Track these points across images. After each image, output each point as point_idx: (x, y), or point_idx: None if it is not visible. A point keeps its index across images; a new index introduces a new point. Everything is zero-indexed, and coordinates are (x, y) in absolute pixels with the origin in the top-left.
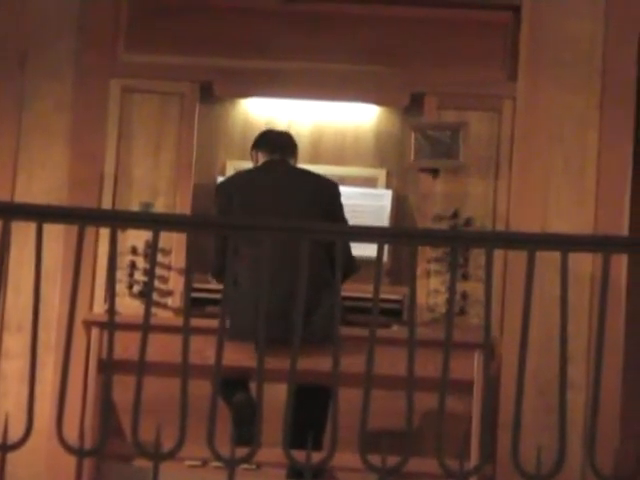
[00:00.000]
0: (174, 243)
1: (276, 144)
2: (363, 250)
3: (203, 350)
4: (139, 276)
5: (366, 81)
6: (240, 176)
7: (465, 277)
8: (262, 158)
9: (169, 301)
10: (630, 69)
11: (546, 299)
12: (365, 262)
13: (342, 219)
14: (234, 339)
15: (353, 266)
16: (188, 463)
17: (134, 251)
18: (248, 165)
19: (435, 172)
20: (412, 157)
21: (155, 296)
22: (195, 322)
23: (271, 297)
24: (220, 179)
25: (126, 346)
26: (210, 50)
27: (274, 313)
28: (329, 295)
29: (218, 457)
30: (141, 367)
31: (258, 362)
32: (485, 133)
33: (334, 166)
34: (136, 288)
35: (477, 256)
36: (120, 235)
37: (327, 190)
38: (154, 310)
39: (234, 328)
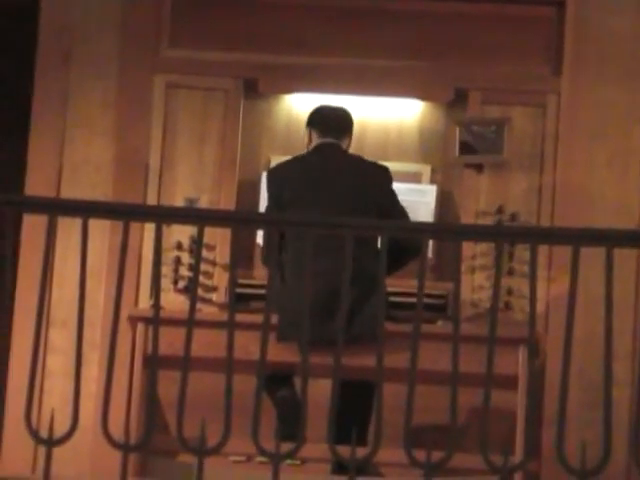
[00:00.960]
0: (218, 239)
1: (329, 124)
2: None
3: (247, 345)
4: (184, 271)
5: (409, 76)
6: (291, 163)
7: (510, 273)
8: (315, 138)
9: (214, 296)
10: None
11: (591, 295)
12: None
13: (396, 205)
14: (280, 341)
15: (416, 246)
16: (233, 458)
17: (179, 247)
18: None
19: (479, 168)
20: (456, 153)
21: (200, 291)
22: (240, 317)
23: (315, 294)
24: (265, 173)
25: (171, 341)
26: (253, 46)
27: (318, 312)
28: (374, 292)
29: (263, 452)
30: (186, 362)
31: (302, 358)
32: (529, 128)
33: (378, 161)
34: (181, 283)
35: (522, 252)
36: (165, 231)
37: (379, 178)
38: (199, 305)
39: (279, 329)
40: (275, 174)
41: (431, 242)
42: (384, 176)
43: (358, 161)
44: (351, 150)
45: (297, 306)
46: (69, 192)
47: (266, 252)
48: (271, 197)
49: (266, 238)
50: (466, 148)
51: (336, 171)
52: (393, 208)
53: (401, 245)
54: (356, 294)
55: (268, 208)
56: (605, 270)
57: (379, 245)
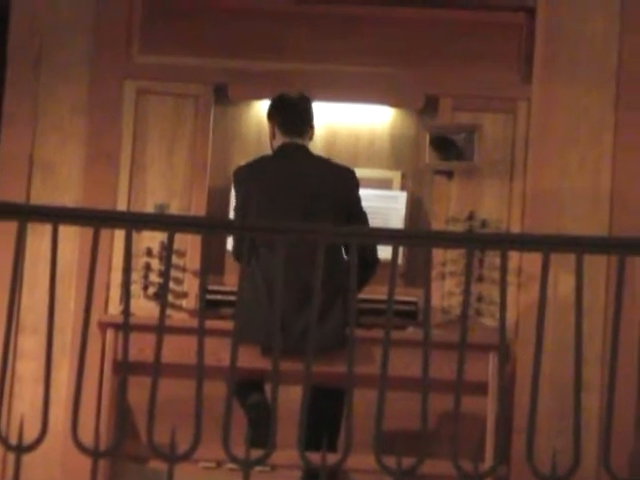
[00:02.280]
0: (189, 245)
1: (293, 122)
2: (378, 252)
3: (218, 352)
4: (154, 278)
5: (380, 83)
6: (258, 163)
7: (480, 279)
8: (279, 136)
9: (184, 303)
10: None
11: (561, 301)
12: (381, 264)
13: (360, 212)
14: (245, 341)
15: (376, 264)
16: (203, 465)
17: (149, 253)
18: None
19: (450, 174)
20: (427, 159)
21: (170, 298)
22: (210, 324)
23: (284, 301)
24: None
25: (141, 348)
26: (224, 52)
27: (285, 319)
28: (343, 299)
29: (233, 459)
30: (156, 368)
31: (273, 364)
32: (500, 135)
33: None
34: (151, 290)
35: (492, 258)
36: (135, 237)
37: (345, 181)
38: (169, 312)
39: (247, 333)
40: (242, 174)
41: (401, 248)
42: (351, 179)
43: (325, 163)
44: (321, 154)
45: (262, 311)
46: (39, 197)
47: (236, 247)
48: (238, 196)
49: (236, 238)
50: (437, 154)
51: (303, 173)
52: (357, 212)
53: (362, 259)
54: (324, 300)
55: (236, 208)
56: (575, 276)
57: (343, 253)
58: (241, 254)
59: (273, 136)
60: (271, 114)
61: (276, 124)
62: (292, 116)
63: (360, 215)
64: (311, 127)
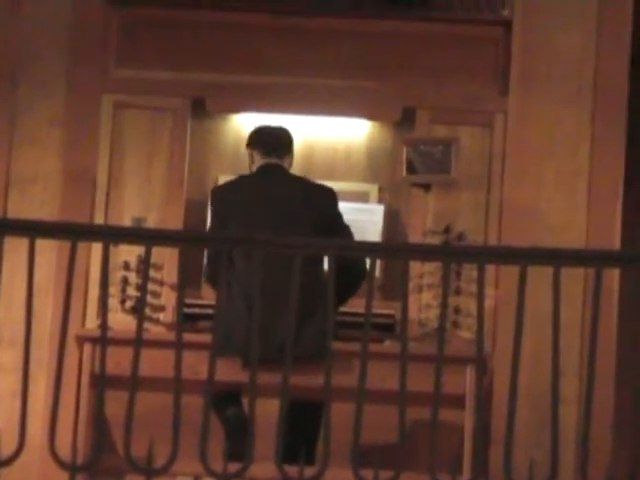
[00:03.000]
0: (166, 258)
1: (271, 145)
2: (365, 264)
3: (195, 365)
4: (131, 291)
5: (357, 96)
6: (236, 182)
7: (457, 292)
8: (258, 159)
9: (161, 316)
10: (621, 83)
11: (538, 313)
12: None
13: (342, 224)
14: (223, 354)
15: (363, 276)
16: (180, 478)
17: (126, 266)
18: None
19: (427, 187)
20: (404, 172)
21: (147, 311)
22: (187, 337)
23: (262, 313)
24: (210, 192)
25: (118, 361)
26: (201, 65)
27: (264, 329)
28: (320, 311)
29: (210, 472)
30: (134, 382)
31: (250, 377)
32: (477, 148)
33: (326, 181)
34: (128, 303)
35: (469, 270)
36: (112, 250)
37: (324, 199)
38: (146, 325)
39: (224, 344)
40: (220, 193)
41: (379, 261)
42: (330, 198)
43: (303, 183)
44: (299, 169)
45: (241, 323)
46: (16, 210)
47: (209, 269)
48: (215, 216)
49: (211, 255)
50: (413, 167)
51: (281, 193)
52: (340, 230)
53: (349, 271)
54: (301, 313)
55: (212, 227)
56: (552, 289)
57: (324, 266)
58: (214, 275)
59: (252, 161)
60: (250, 141)
61: (255, 149)
62: (271, 140)
63: (342, 229)
64: (290, 153)
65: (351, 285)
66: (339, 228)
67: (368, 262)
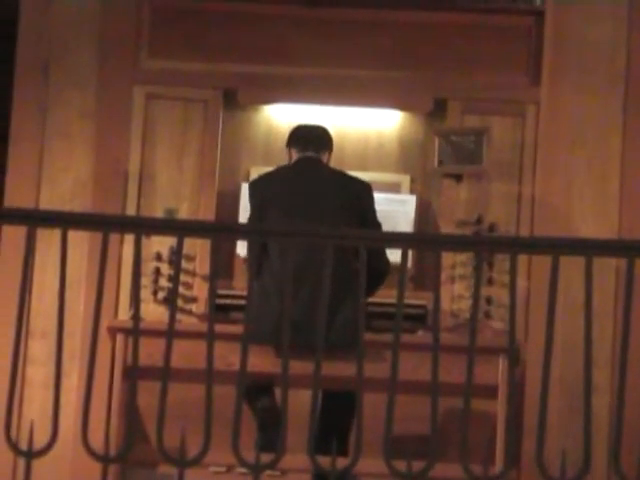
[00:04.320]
0: (198, 249)
1: (308, 140)
2: (388, 256)
3: (227, 356)
4: (163, 282)
5: (389, 86)
6: (273, 174)
7: (490, 282)
8: (295, 155)
9: (193, 307)
10: None
11: (570, 303)
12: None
13: (374, 220)
14: (255, 342)
15: (387, 268)
16: (213, 469)
17: (158, 257)
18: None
19: (459, 177)
20: (436, 163)
21: (179, 302)
22: (219, 328)
23: (294, 303)
24: (245, 184)
25: (150, 352)
26: (233, 56)
27: (296, 319)
28: (351, 300)
29: (243, 463)
30: (166, 373)
31: (282, 368)
32: (508, 138)
33: (357, 172)
34: (160, 294)
35: (501, 261)
36: (144, 241)
37: (359, 191)
38: (178, 316)
39: (256, 332)
40: (257, 186)
41: (411, 252)
42: (366, 192)
43: (340, 175)
44: (331, 161)
45: (273, 312)
46: (48, 203)
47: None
48: (253, 208)
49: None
50: (445, 158)
51: (318, 184)
52: (371, 223)
53: (372, 265)
54: (333, 303)
55: (250, 219)
56: (585, 279)
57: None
58: (251, 258)
59: (290, 159)
60: (288, 140)
61: (292, 146)
62: (307, 135)
63: (374, 226)
64: (327, 149)
65: (375, 279)
66: (371, 224)
67: (391, 254)
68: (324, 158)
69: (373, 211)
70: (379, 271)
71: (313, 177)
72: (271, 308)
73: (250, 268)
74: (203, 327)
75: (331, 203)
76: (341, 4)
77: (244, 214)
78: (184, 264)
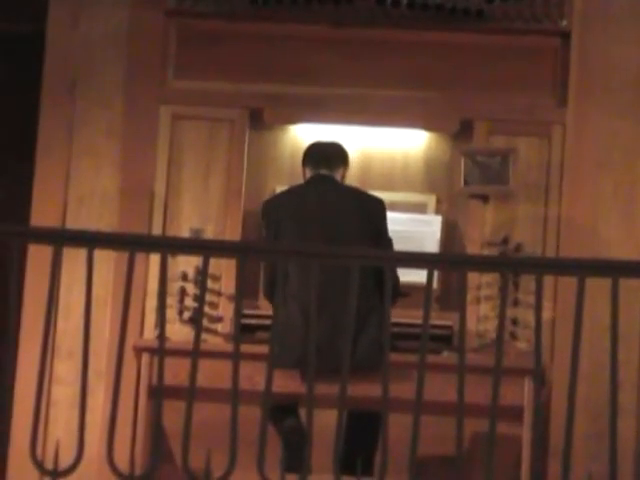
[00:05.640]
0: (224, 269)
1: (321, 158)
2: (413, 276)
3: (253, 376)
4: (189, 302)
5: (415, 107)
6: (286, 194)
7: (515, 303)
8: (309, 173)
9: (219, 327)
10: None
11: (596, 325)
12: (415, 288)
13: (386, 237)
14: (281, 367)
15: (399, 291)
16: None
17: (184, 277)
18: None
19: (485, 198)
20: (462, 183)
21: (205, 322)
22: (245, 348)
23: (318, 325)
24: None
25: (176, 372)
26: (259, 76)
27: (320, 342)
28: (375, 322)
29: None
30: (191, 393)
31: (308, 388)
32: (535, 159)
33: (383, 192)
34: (186, 314)
35: (527, 282)
36: (170, 261)
37: (373, 209)
38: (204, 336)
39: (281, 357)
40: (270, 206)
41: (436, 272)
42: (379, 208)
43: (353, 192)
44: (356, 180)
45: (300, 335)
46: (74, 222)
47: (266, 285)
48: (268, 228)
49: (267, 272)
50: (471, 178)
51: (330, 201)
52: (384, 239)
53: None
54: (356, 325)
55: (265, 239)
56: (611, 301)
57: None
58: (270, 289)
59: (304, 177)
60: (303, 158)
61: (306, 164)
62: (320, 153)
63: (386, 242)
64: (342, 165)
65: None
66: (384, 240)
67: (416, 275)
68: (338, 175)
69: (386, 226)
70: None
71: (326, 195)
72: (295, 331)
73: (269, 292)
74: (228, 347)
75: (345, 221)
76: (367, 25)
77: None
78: (210, 284)
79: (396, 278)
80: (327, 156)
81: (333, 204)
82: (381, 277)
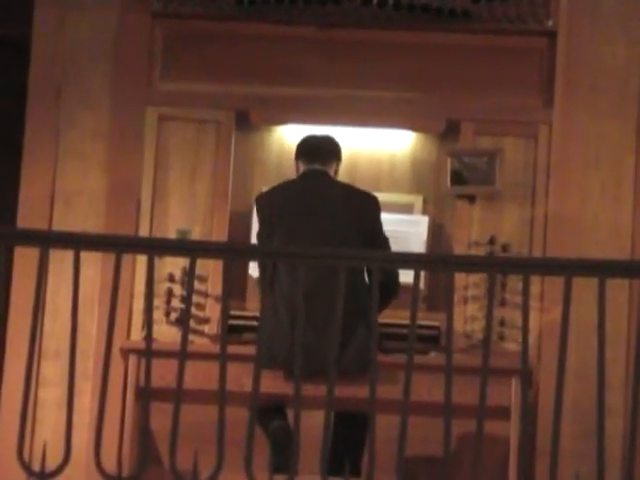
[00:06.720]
0: (210, 270)
1: (314, 153)
2: (400, 277)
3: (240, 377)
4: (176, 303)
5: (402, 107)
6: (279, 189)
7: (502, 303)
8: (302, 167)
9: (206, 328)
10: None
11: (583, 325)
12: (402, 288)
13: (381, 233)
14: (267, 367)
15: (397, 290)
16: None
17: (171, 278)
18: None
19: (471, 198)
20: (448, 183)
21: (192, 323)
22: (232, 349)
23: (306, 326)
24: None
25: (163, 373)
26: (246, 78)
27: (308, 342)
28: (365, 324)
29: None
30: (178, 394)
31: (295, 389)
32: (521, 159)
33: None
34: (173, 315)
35: (514, 282)
36: (157, 262)
37: (367, 205)
38: (191, 337)
39: (268, 356)
40: (263, 200)
41: (423, 273)
42: (373, 205)
43: (347, 188)
44: (343, 179)
45: (284, 336)
46: (61, 224)
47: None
48: (261, 223)
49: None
50: (458, 179)
51: (324, 197)
52: (379, 238)
53: (383, 283)
54: (345, 326)
55: (259, 234)
56: (598, 300)
57: (366, 277)
58: (262, 279)
59: (297, 171)
60: (296, 151)
61: (299, 158)
62: (313, 147)
63: (382, 240)
64: (335, 160)
65: (384, 297)
66: (378, 238)
67: (403, 275)
68: (331, 169)
69: (380, 224)
70: (387, 289)
71: (320, 191)
72: (283, 331)
73: (263, 289)
74: (215, 348)
75: (339, 217)
76: (353, 26)
77: (256, 233)
78: (196, 285)
79: (396, 276)
80: (321, 151)
81: (327, 200)
82: (384, 279)
